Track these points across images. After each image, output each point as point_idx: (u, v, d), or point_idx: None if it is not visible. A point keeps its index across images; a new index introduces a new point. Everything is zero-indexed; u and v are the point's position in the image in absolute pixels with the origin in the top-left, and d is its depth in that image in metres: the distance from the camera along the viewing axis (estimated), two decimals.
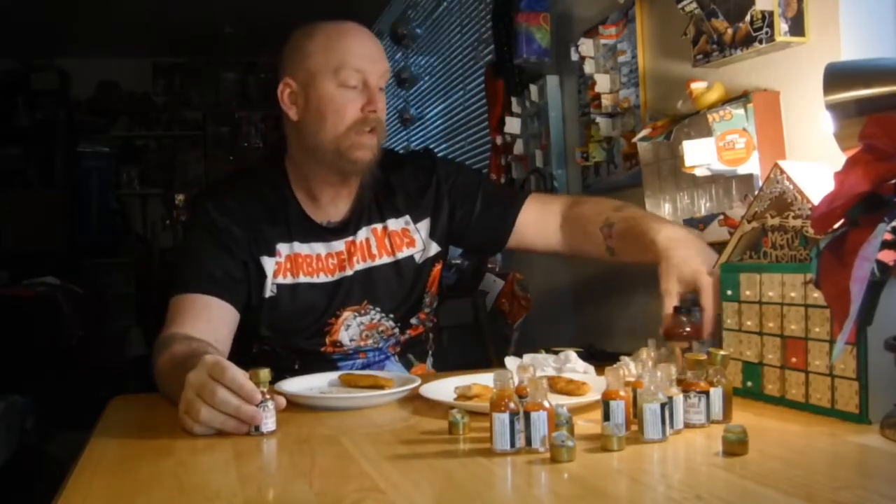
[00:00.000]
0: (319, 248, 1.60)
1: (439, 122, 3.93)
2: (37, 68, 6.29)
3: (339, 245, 1.61)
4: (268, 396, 1.10)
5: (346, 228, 1.62)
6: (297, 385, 1.36)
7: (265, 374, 1.10)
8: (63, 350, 4.47)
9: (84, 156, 6.37)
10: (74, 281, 5.16)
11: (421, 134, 4.22)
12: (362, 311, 1.61)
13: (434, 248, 1.66)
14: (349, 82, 1.51)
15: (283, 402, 1.14)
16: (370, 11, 4.85)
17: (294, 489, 0.87)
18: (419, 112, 4.18)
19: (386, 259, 1.63)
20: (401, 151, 1.83)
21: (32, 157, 6.25)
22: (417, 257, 1.64)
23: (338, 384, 1.40)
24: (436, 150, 3.92)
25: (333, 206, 1.62)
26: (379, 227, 1.63)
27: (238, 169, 2.04)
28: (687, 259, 1.37)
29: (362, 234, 1.62)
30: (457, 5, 3.55)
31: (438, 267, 1.68)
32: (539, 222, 1.67)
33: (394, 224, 1.64)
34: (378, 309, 1.62)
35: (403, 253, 1.64)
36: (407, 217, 1.65)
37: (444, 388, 1.26)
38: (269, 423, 1.10)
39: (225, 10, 5.15)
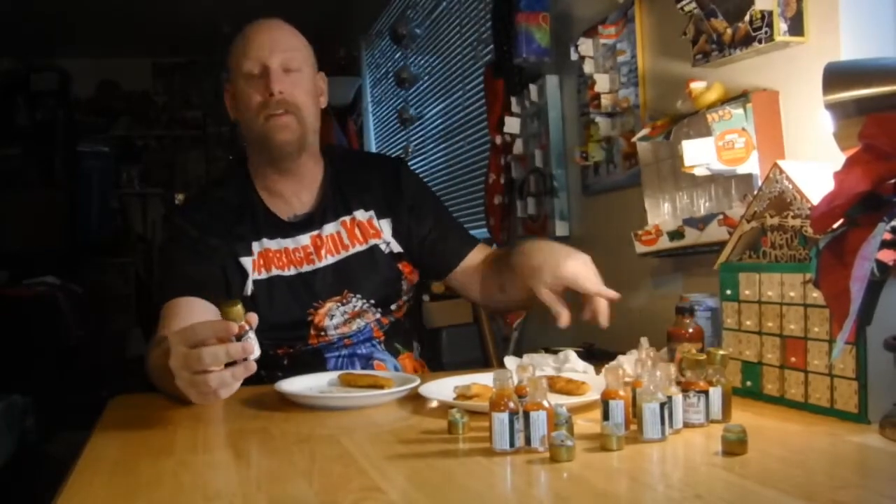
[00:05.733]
0: (286, 243, 1.64)
1: (439, 121, 3.92)
2: (37, 68, 6.29)
3: (305, 239, 1.65)
4: (246, 327, 1.10)
5: (311, 222, 1.66)
6: (297, 385, 1.36)
7: (238, 309, 1.11)
8: (63, 350, 4.47)
9: (84, 155, 6.37)
10: (74, 281, 5.16)
11: (420, 134, 4.22)
12: (344, 301, 1.64)
13: (397, 247, 1.69)
14: (252, 72, 1.58)
15: (254, 319, 1.14)
16: (370, 11, 4.85)
17: (294, 489, 0.87)
18: (419, 112, 4.18)
19: (359, 247, 1.67)
20: (399, 154, 1.88)
21: (32, 157, 6.25)
22: (384, 247, 1.68)
23: (337, 384, 1.40)
24: (435, 150, 3.95)
25: (297, 199, 1.67)
26: (347, 218, 1.68)
27: (205, 182, 2.14)
28: (543, 262, 1.45)
29: (331, 227, 1.66)
30: (456, 5, 3.55)
31: (406, 263, 1.71)
32: (476, 272, 1.71)
33: (361, 215, 1.68)
34: (359, 296, 1.64)
35: (373, 241, 1.68)
36: (372, 212, 1.69)
37: (443, 388, 1.26)
38: (255, 350, 1.11)
39: (225, 10, 5.16)
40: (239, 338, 1.09)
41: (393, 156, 1.93)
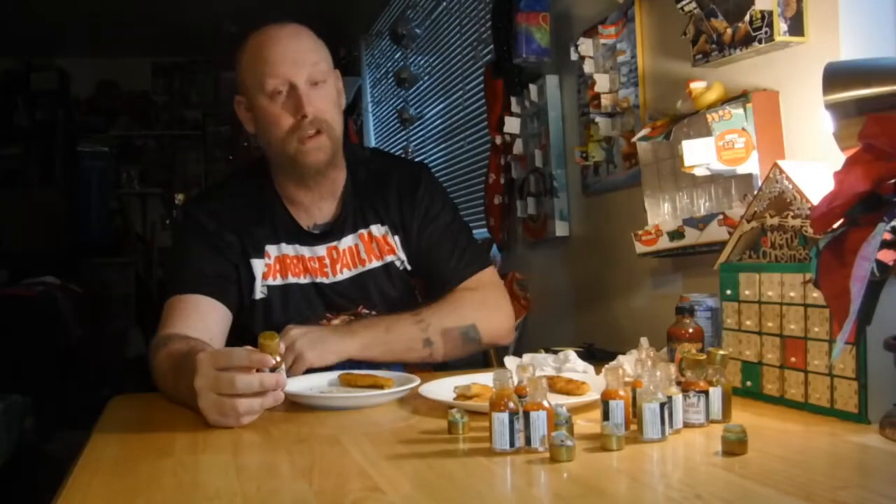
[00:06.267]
0: (303, 250, 1.61)
1: (439, 121, 3.92)
2: (37, 68, 6.30)
3: (321, 250, 1.62)
4: (281, 362, 1.13)
5: (329, 233, 1.62)
6: (297, 385, 1.36)
7: (276, 343, 1.12)
8: (63, 350, 4.47)
9: (84, 155, 6.37)
10: (74, 281, 5.16)
11: (420, 134, 4.22)
12: (358, 315, 1.62)
13: (408, 265, 1.65)
14: (277, 90, 1.49)
15: (282, 347, 1.19)
16: (370, 11, 4.85)
17: (294, 489, 0.87)
18: (419, 112, 4.18)
19: (376, 263, 1.63)
20: (399, 154, 1.83)
21: (32, 157, 6.25)
22: (398, 264, 1.65)
23: (338, 384, 1.40)
24: (435, 150, 3.95)
25: (317, 209, 1.63)
26: (365, 232, 1.64)
27: (227, 175, 2.07)
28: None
29: (349, 240, 1.63)
30: (456, 5, 3.55)
31: (418, 279, 1.68)
32: None
33: (376, 230, 1.64)
34: (373, 312, 1.62)
35: (389, 258, 1.64)
36: (387, 227, 1.65)
37: (443, 388, 1.26)
38: (286, 384, 1.16)
39: (225, 10, 5.16)
40: (272, 371, 1.11)
41: (417, 161, 1.84)
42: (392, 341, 1.51)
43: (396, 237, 1.65)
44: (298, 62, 1.50)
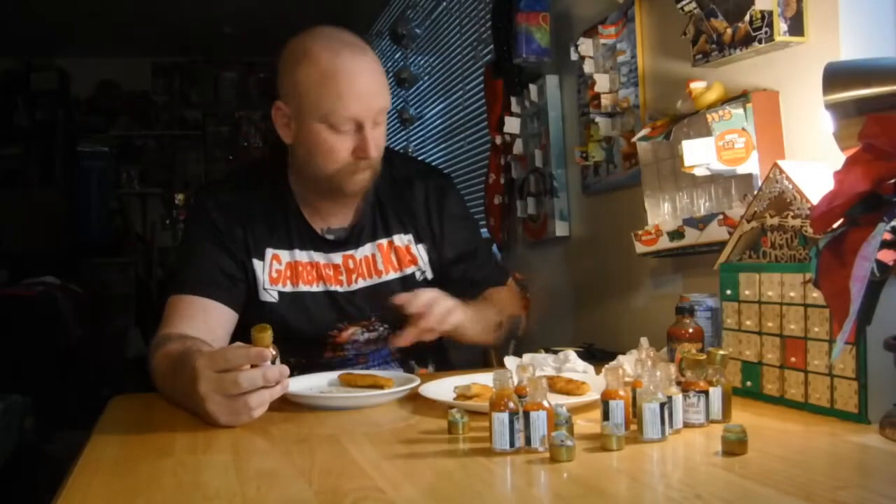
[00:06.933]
0: (318, 257, 1.58)
1: (439, 121, 3.93)
2: (37, 68, 6.30)
3: (337, 258, 1.58)
4: (273, 352, 1.13)
5: (346, 241, 1.59)
6: (297, 385, 1.36)
7: (268, 336, 1.12)
8: (63, 350, 4.47)
9: (84, 155, 6.37)
10: (74, 281, 5.16)
11: (420, 134, 4.22)
12: (370, 328, 1.60)
13: (430, 274, 1.63)
14: (341, 128, 1.43)
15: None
16: (370, 11, 4.85)
17: (294, 489, 0.87)
18: (419, 112, 4.18)
19: (393, 275, 1.60)
20: (417, 158, 1.82)
21: (32, 157, 6.25)
22: (418, 275, 1.62)
23: (338, 384, 1.40)
24: (435, 150, 3.95)
25: (334, 216, 1.59)
26: (385, 241, 1.60)
27: (242, 165, 2.03)
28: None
29: (366, 249, 1.59)
30: (456, 5, 3.55)
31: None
32: None
33: (399, 240, 1.61)
34: (387, 326, 1.60)
35: (408, 270, 1.61)
36: (410, 236, 1.62)
37: (443, 388, 1.26)
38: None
39: (225, 10, 5.15)
40: (271, 363, 1.12)
41: (440, 170, 1.81)
42: (483, 319, 1.57)
43: (421, 245, 1.62)
44: (370, 104, 1.43)
